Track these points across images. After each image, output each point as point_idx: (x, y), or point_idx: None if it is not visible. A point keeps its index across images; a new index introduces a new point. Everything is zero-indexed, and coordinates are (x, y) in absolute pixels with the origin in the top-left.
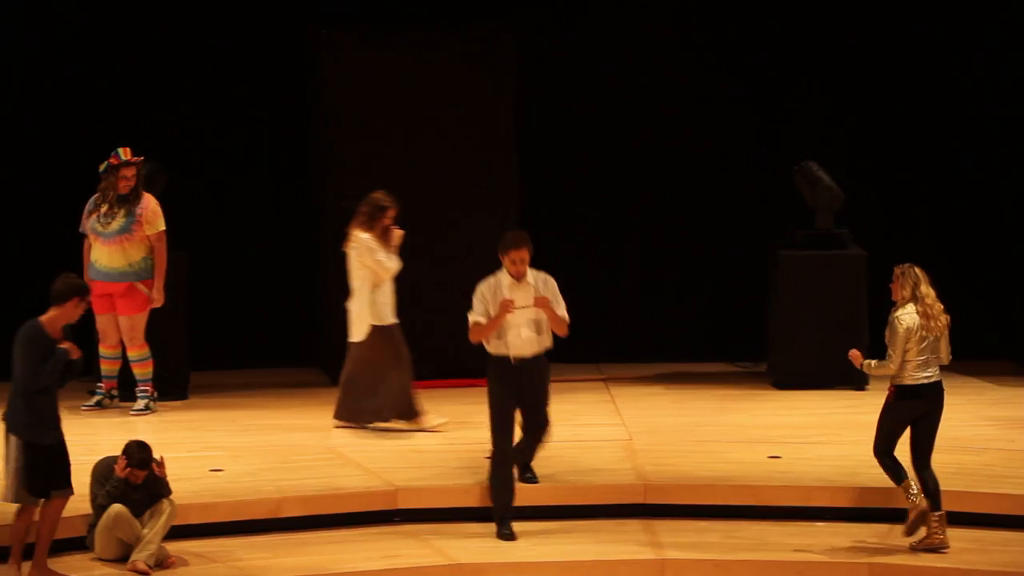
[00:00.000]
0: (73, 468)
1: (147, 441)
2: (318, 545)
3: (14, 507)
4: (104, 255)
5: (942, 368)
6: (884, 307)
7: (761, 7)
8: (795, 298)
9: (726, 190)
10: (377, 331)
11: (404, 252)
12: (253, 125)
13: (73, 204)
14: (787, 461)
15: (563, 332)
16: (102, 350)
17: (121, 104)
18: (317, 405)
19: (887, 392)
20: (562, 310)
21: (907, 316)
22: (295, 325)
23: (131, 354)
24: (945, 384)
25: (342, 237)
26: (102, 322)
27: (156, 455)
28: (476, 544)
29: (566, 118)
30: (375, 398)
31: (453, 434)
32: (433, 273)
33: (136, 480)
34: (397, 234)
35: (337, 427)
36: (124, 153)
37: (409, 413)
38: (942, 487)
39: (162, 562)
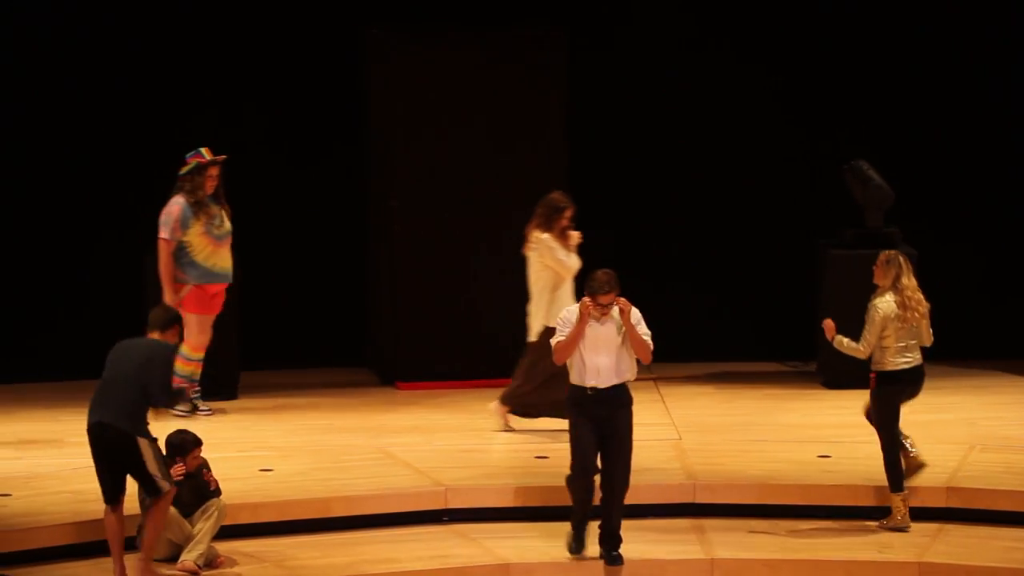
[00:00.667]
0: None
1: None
2: (367, 545)
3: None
4: (223, 257)
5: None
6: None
7: (813, 5)
8: (845, 297)
9: (776, 188)
10: (549, 333)
11: (457, 250)
12: (304, 126)
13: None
14: (837, 460)
15: (646, 357)
16: (199, 354)
17: (171, 106)
18: (366, 405)
19: (870, 381)
20: (644, 331)
21: (884, 304)
22: (345, 325)
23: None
24: (994, 383)
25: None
26: (209, 323)
27: (202, 457)
28: (525, 544)
29: (616, 117)
30: (536, 394)
31: (503, 434)
32: (484, 272)
33: (179, 473)
34: (574, 235)
35: (497, 409)
36: (207, 153)
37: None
38: (991, 486)
39: (212, 562)
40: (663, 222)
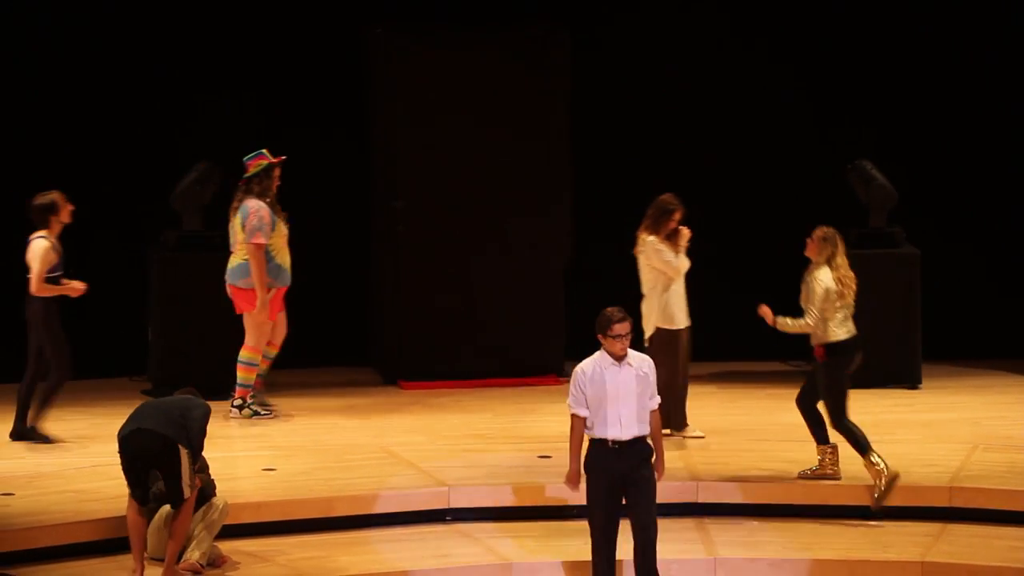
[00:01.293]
0: None
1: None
2: (370, 544)
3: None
4: (288, 258)
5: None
6: (937, 305)
7: (816, 3)
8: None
9: (779, 187)
10: (661, 333)
11: (461, 250)
12: (308, 125)
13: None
14: (840, 460)
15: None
16: (271, 351)
17: (171, 106)
18: (370, 404)
19: (817, 355)
20: (656, 415)
21: (825, 277)
22: (348, 324)
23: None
24: (998, 382)
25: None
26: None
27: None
28: (529, 543)
29: (619, 115)
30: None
31: (506, 432)
32: (488, 272)
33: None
34: (685, 234)
35: None
36: (268, 154)
37: (676, 422)
38: (994, 486)
39: (215, 561)
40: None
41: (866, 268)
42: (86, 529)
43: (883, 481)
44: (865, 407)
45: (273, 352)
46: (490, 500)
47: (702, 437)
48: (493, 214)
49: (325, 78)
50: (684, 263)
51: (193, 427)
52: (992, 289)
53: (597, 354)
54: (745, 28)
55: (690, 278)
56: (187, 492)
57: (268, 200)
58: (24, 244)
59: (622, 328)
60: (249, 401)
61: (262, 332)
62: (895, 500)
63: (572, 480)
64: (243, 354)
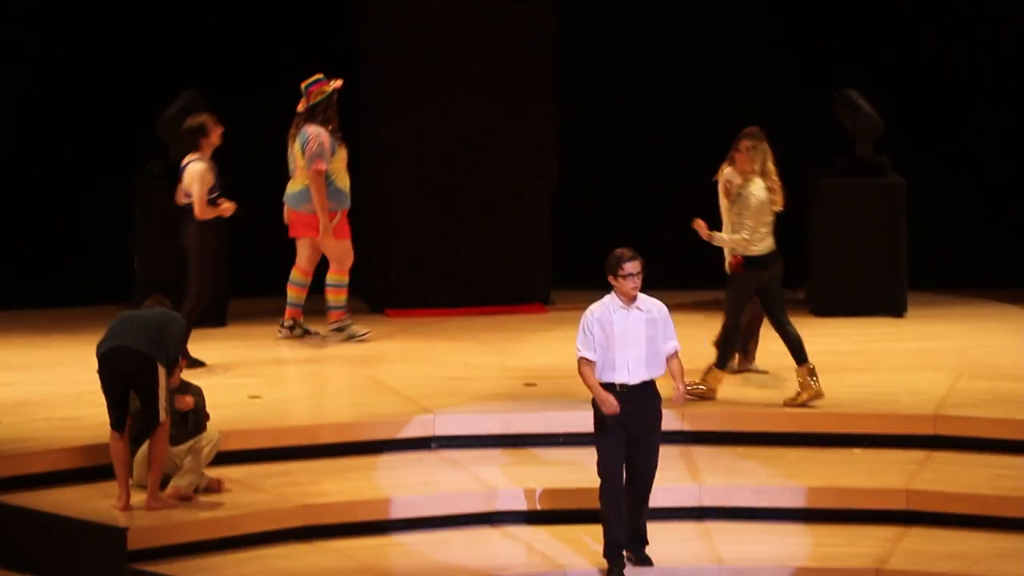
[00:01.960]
0: None
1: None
2: (356, 471)
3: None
4: (348, 181)
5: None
6: (923, 234)
7: None
8: (834, 225)
9: (766, 117)
10: (744, 262)
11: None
12: (294, 59)
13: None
14: (825, 388)
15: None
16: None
17: (156, 35)
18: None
19: (731, 266)
20: (676, 359)
21: (758, 190)
22: None
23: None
24: (983, 311)
25: (381, 162)
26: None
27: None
28: (513, 470)
29: (604, 43)
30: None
31: (491, 361)
32: (474, 200)
33: (186, 407)
34: (770, 170)
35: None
36: (325, 80)
37: (740, 356)
38: (979, 414)
39: (210, 487)
40: (650, 149)
41: (852, 197)
42: (72, 456)
43: (700, 389)
44: (850, 336)
45: (343, 279)
46: (475, 428)
47: (765, 372)
48: (479, 144)
49: (312, 15)
50: (777, 195)
51: (170, 343)
52: (978, 218)
53: (608, 297)
54: None
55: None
56: (163, 415)
57: (333, 126)
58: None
59: (633, 267)
60: (347, 320)
61: (342, 254)
62: (884, 428)
63: (607, 403)
64: (330, 276)
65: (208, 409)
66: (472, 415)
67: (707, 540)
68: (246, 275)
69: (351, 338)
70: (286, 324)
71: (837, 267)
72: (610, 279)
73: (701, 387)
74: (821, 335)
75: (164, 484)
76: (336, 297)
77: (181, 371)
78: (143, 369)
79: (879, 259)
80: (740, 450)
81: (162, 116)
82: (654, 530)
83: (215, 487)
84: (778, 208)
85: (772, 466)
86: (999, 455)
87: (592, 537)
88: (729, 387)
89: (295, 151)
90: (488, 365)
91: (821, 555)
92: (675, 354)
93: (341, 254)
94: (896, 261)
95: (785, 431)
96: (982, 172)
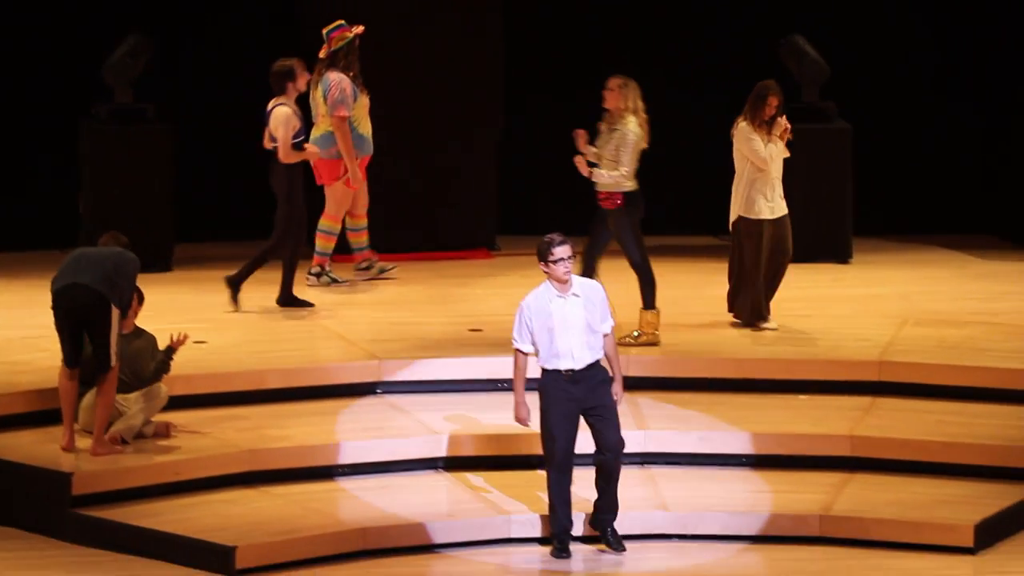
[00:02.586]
0: None
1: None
2: (302, 416)
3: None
4: (370, 127)
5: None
6: (869, 180)
7: None
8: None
9: (712, 65)
10: (741, 222)
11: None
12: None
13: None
14: (770, 334)
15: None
16: (359, 222)
17: None
18: (301, 277)
19: (612, 203)
20: (611, 341)
21: (634, 127)
22: None
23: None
24: (928, 258)
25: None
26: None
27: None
28: (458, 416)
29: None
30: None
31: (437, 306)
32: (421, 144)
33: (126, 329)
34: (780, 124)
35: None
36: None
37: (750, 314)
38: (923, 361)
39: (160, 431)
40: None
41: (798, 143)
42: (17, 401)
43: (644, 337)
44: (796, 281)
45: (362, 223)
46: (421, 374)
47: (775, 329)
48: (426, 91)
49: None
50: (776, 153)
51: (123, 284)
52: (923, 164)
53: (542, 286)
54: None
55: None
56: (113, 360)
57: (351, 73)
58: None
59: (563, 251)
60: (328, 269)
61: (343, 202)
62: (829, 374)
63: (520, 415)
64: (323, 223)
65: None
66: (418, 361)
67: (652, 486)
68: (193, 220)
69: (332, 283)
70: (313, 271)
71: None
72: (541, 266)
73: (643, 335)
74: None
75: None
76: (323, 243)
77: (136, 315)
78: (98, 309)
79: (825, 205)
80: (685, 396)
81: (107, 60)
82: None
83: (163, 432)
84: (645, 146)
85: (716, 412)
86: (943, 401)
87: (537, 484)
88: (674, 334)
89: (317, 97)
90: (434, 311)
91: (766, 501)
92: (611, 332)
93: (340, 199)
94: (841, 207)
95: (730, 377)
96: (928, 119)
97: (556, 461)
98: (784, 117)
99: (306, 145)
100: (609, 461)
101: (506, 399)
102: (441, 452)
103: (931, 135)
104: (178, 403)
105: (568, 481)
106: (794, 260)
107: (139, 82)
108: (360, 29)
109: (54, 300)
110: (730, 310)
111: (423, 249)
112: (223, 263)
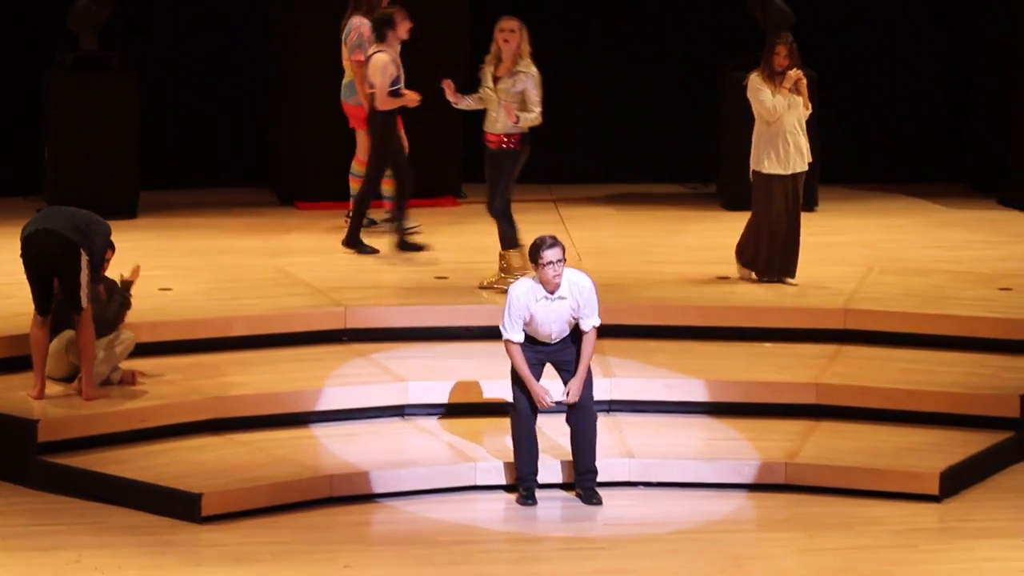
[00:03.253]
0: None
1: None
2: (267, 364)
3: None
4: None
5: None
6: (833, 128)
7: None
8: (745, 119)
9: (678, 11)
10: (754, 175)
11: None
12: None
13: None
14: (736, 282)
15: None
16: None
17: None
18: (267, 225)
19: (509, 144)
20: (590, 339)
21: (536, 71)
22: (245, 145)
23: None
24: (894, 206)
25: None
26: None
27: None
28: (423, 363)
29: None
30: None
31: (403, 255)
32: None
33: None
34: (791, 76)
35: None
36: None
37: (768, 269)
38: (888, 308)
39: (125, 379)
40: (564, 43)
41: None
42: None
43: (505, 278)
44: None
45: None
46: (386, 321)
47: (795, 285)
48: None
49: None
50: (781, 104)
51: (96, 240)
52: (889, 112)
53: (531, 280)
54: None
55: (590, 99)
56: (84, 302)
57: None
58: None
59: (552, 255)
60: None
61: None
62: (793, 322)
63: (543, 400)
64: (355, 167)
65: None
66: (383, 308)
67: (617, 434)
68: (157, 166)
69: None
70: (349, 215)
71: (748, 162)
72: (532, 267)
73: (510, 279)
74: (732, 229)
75: (71, 378)
76: (357, 187)
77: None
78: (68, 252)
79: None
80: (651, 344)
81: (72, 7)
82: (562, 422)
83: (129, 379)
84: None
85: (682, 360)
86: (908, 349)
87: (503, 432)
88: (640, 282)
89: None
90: (399, 258)
91: (731, 449)
92: (592, 331)
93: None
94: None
95: (695, 325)
96: (894, 66)
97: (520, 407)
98: (796, 69)
99: (404, 91)
100: (579, 418)
101: (471, 346)
102: (407, 400)
103: (896, 82)
104: (144, 350)
105: (532, 427)
106: None
107: (104, 29)
108: None
109: (23, 246)
110: (738, 262)
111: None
112: (188, 210)
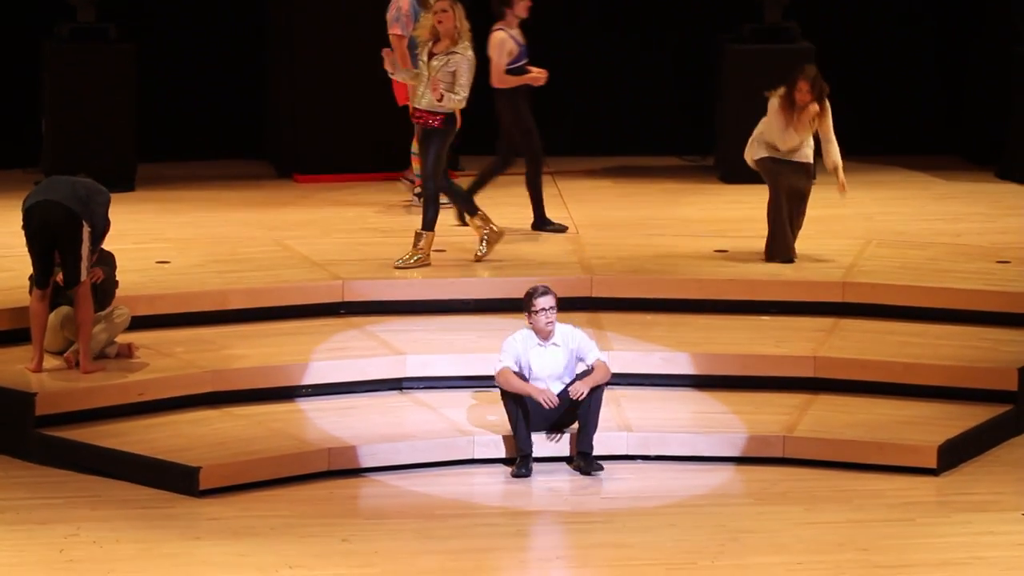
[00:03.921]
0: None
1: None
2: (265, 337)
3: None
4: None
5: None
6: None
7: None
8: (743, 92)
9: None
10: (759, 164)
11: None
12: None
13: None
14: (733, 255)
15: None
16: None
17: None
18: (264, 198)
19: (432, 122)
20: (601, 364)
21: (471, 51)
22: (243, 116)
23: None
24: (891, 179)
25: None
26: None
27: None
28: (421, 336)
29: None
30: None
31: (399, 226)
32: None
33: (96, 279)
34: (810, 111)
35: None
36: None
37: (775, 254)
38: (886, 281)
39: (122, 353)
40: (561, 18)
41: (761, 64)
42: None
43: (485, 243)
44: (759, 202)
45: None
46: (384, 294)
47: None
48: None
49: None
50: (792, 143)
51: (97, 210)
52: (887, 84)
53: (526, 331)
54: None
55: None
56: (83, 274)
57: None
58: None
59: (545, 302)
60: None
61: None
62: (791, 295)
63: (547, 397)
64: (416, 146)
65: (116, 275)
66: (381, 281)
67: (615, 407)
68: (155, 139)
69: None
70: (415, 192)
71: (746, 134)
72: (525, 316)
73: (420, 257)
74: (730, 201)
75: (62, 350)
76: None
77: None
78: (69, 224)
79: None
80: (648, 317)
81: None
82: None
83: (126, 353)
84: None
85: (680, 333)
86: (906, 322)
87: (500, 404)
88: (637, 254)
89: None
90: (397, 231)
91: (729, 422)
92: (599, 363)
93: None
94: None
95: (693, 298)
96: (891, 38)
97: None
98: (815, 104)
99: (530, 68)
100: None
101: (469, 320)
102: (405, 373)
103: (894, 55)
104: (141, 323)
105: (525, 405)
106: (758, 181)
107: (102, 1)
108: None
109: (25, 217)
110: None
111: (385, 169)
112: (186, 183)
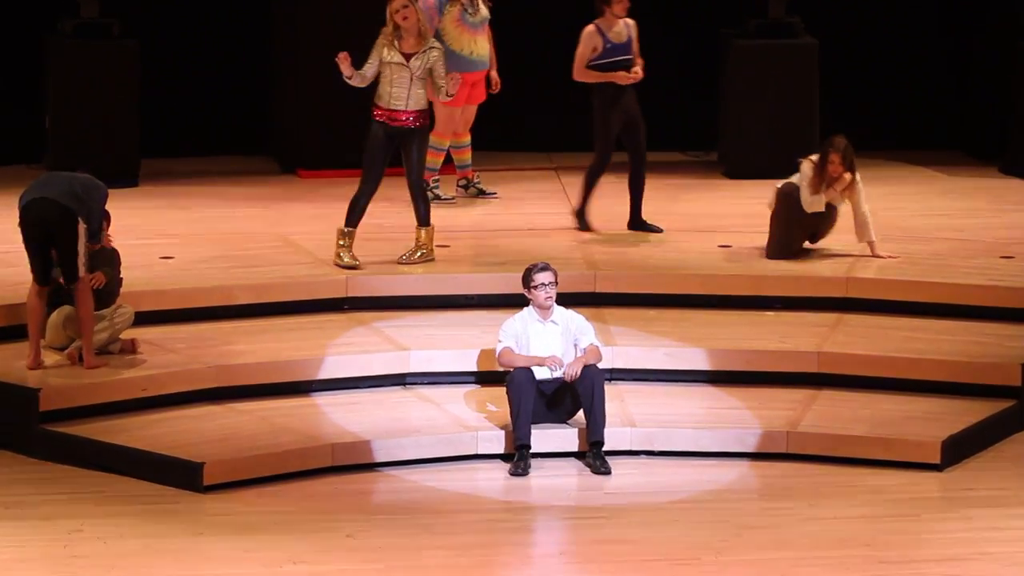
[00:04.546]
0: None
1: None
2: (268, 333)
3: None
4: (480, 44)
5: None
6: (835, 96)
7: None
8: (747, 87)
9: None
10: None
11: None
12: None
13: None
14: (737, 250)
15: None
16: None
17: None
18: (268, 193)
19: (421, 122)
20: (593, 348)
21: (439, 44)
22: (247, 112)
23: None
24: (894, 174)
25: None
26: (471, 112)
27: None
28: (426, 332)
29: None
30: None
31: (404, 221)
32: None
33: (98, 284)
34: (843, 181)
35: None
36: None
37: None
38: (894, 277)
39: (125, 349)
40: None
41: (765, 59)
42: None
43: (424, 254)
44: (762, 198)
45: (465, 140)
46: (388, 289)
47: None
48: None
49: None
50: (818, 206)
51: (93, 206)
52: (890, 79)
53: (525, 311)
54: None
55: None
56: (82, 271)
57: None
58: None
59: (544, 277)
60: (432, 185)
61: (448, 119)
62: (795, 290)
63: (554, 361)
64: (432, 139)
65: (121, 271)
66: (385, 276)
67: (619, 402)
68: (159, 134)
69: (434, 200)
70: (460, 184)
71: (749, 129)
72: (525, 292)
73: (424, 253)
74: (733, 197)
75: (65, 347)
76: (430, 159)
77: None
78: (65, 221)
79: (791, 121)
80: (652, 312)
81: None
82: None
83: (130, 348)
84: None
85: (683, 328)
86: (910, 318)
87: (504, 400)
88: (641, 249)
89: None
90: (401, 226)
91: (733, 417)
92: (592, 346)
93: (445, 116)
94: (808, 123)
95: (696, 293)
96: (895, 33)
97: (517, 378)
98: (848, 175)
99: (636, 63)
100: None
101: (474, 315)
102: (409, 368)
103: (898, 49)
104: (146, 319)
105: (529, 396)
106: (762, 176)
107: None
108: None
109: (22, 215)
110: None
111: (391, 164)
112: (190, 178)
